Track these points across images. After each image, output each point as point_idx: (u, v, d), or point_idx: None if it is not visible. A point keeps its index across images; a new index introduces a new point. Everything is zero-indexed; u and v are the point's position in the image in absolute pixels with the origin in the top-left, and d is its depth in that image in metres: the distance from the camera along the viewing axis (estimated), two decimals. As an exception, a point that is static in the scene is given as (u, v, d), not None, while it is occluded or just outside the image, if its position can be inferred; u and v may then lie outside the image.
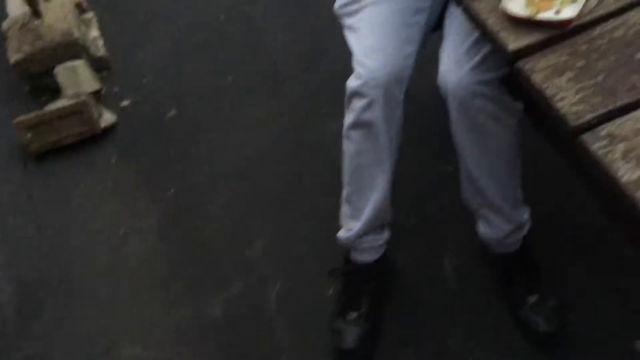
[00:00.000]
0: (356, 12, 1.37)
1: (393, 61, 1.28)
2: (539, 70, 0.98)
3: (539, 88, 0.97)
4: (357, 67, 1.30)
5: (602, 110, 0.90)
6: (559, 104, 0.94)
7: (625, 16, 1.00)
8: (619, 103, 0.91)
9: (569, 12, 0.98)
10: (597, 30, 0.99)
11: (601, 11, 1.02)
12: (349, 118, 1.34)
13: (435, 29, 1.40)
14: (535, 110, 1.09)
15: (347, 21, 1.40)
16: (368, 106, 1.28)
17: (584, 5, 0.99)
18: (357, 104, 1.29)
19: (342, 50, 1.38)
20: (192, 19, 2.35)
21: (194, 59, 2.25)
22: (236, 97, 2.11)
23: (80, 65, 2.10)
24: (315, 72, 2.04)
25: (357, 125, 1.33)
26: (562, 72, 0.96)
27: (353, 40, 1.36)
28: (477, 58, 1.21)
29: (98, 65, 2.25)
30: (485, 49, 1.19)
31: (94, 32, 2.32)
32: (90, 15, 2.37)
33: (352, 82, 1.29)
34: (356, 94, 1.29)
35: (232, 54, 2.23)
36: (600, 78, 0.94)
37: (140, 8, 2.43)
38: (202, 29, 2.32)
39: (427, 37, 1.40)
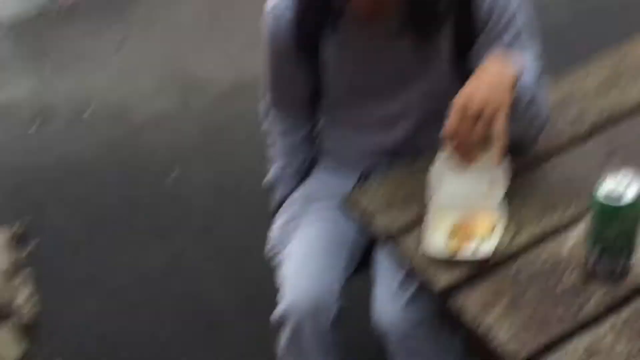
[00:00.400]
0: (283, 246, 1.40)
1: (316, 288, 1.27)
2: (469, 308, 0.98)
3: (471, 326, 0.96)
4: (282, 297, 1.29)
5: (536, 346, 0.89)
6: (494, 341, 0.92)
7: (537, 249, 1.04)
8: (551, 336, 0.90)
9: (485, 250, 1.01)
10: (515, 265, 1.02)
11: (515, 244, 1.06)
12: (279, 347, 1.30)
13: (364, 263, 1.42)
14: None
15: (277, 259, 1.42)
16: (294, 333, 1.25)
17: (498, 241, 1.03)
18: (284, 331, 1.27)
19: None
20: (128, 276, 2.32)
21: (130, 314, 2.18)
22: (174, 350, 2.01)
23: (4, 332, 1.99)
24: (255, 319, 1.99)
25: (286, 352, 1.29)
26: (491, 308, 0.97)
27: (280, 273, 1.37)
28: (408, 295, 1.21)
29: (27, 328, 2.13)
30: (416, 284, 1.20)
31: (25, 294, 2.24)
32: (21, 276, 2.32)
33: (277, 312, 1.27)
34: (281, 322, 1.27)
35: (169, 307, 2.17)
36: (528, 312, 0.94)
37: (74, 267, 2.40)
38: (138, 284, 2.28)
39: (353, 268, 1.41)
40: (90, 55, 3.78)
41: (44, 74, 3.67)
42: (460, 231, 1.05)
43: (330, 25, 1.08)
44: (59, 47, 3.98)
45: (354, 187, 1.37)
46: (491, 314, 0.95)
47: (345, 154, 1.36)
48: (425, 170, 1.15)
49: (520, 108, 0.96)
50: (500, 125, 0.89)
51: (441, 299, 1.02)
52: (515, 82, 0.92)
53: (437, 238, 1.04)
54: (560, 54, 2.76)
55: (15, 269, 2.33)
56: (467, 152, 0.95)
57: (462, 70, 1.16)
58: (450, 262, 1.03)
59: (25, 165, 2.89)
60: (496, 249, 1.02)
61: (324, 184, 1.44)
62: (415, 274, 1.09)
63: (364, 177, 1.39)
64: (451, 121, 0.93)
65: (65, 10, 4.53)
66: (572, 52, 2.74)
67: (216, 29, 3.70)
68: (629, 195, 0.88)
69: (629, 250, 0.94)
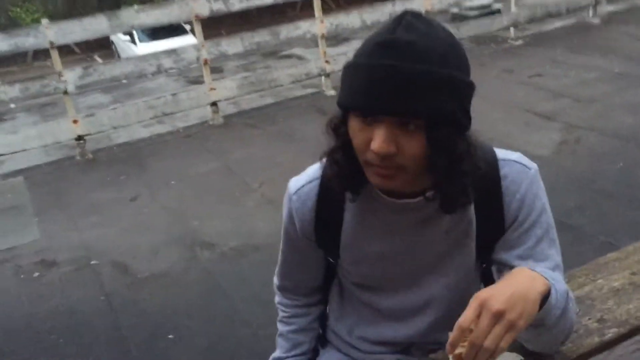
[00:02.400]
0: None
1: None
2: None
3: None
4: None
5: None
6: None
7: None
8: None
9: None
10: None
11: None
12: None
13: None
14: None
15: None
16: None
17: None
18: None
19: None
20: None
21: None
22: None
23: None
24: None
25: None
26: None
27: None
28: None
29: None
30: None
31: None
32: None
33: None
34: None
35: None
36: None
37: None
38: None
39: None
40: (102, 207, 3.85)
41: (56, 222, 3.73)
42: None
43: (354, 209, 1.06)
44: (73, 198, 4.08)
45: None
46: None
47: (353, 343, 1.27)
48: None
49: (549, 323, 0.91)
50: (508, 340, 0.83)
51: None
52: (544, 298, 0.88)
53: None
54: (569, 237, 2.81)
55: None
56: (475, 355, 0.85)
57: (485, 267, 1.13)
58: None
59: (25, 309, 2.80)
60: None
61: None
62: None
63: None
64: (468, 313, 0.85)
65: (85, 161, 4.72)
66: (581, 236, 2.78)
67: (226, 194, 3.82)
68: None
69: None
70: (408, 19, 0.87)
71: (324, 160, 1.03)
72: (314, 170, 1.09)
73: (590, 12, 6.66)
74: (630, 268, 1.34)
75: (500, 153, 1.05)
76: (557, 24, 6.73)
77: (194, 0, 4.78)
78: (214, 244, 3.23)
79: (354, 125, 0.90)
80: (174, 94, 5.04)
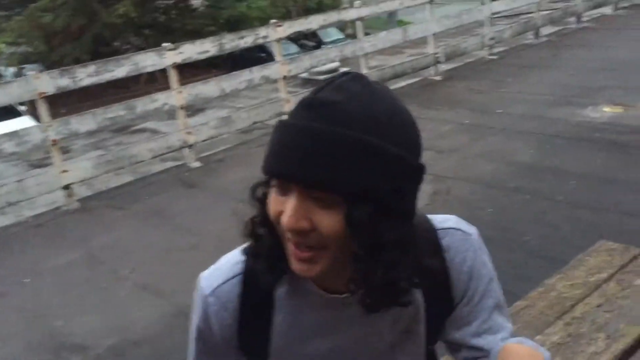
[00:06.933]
0: None
1: None
2: None
3: None
4: None
5: None
6: None
7: None
8: None
9: None
10: None
11: None
12: None
13: None
14: None
15: None
16: None
17: None
18: None
19: None
20: None
21: None
22: None
23: None
24: None
25: None
26: None
27: None
28: None
29: None
30: None
31: None
32: None
33: None
34: None
35: None
36: None
37: None
38: None
39: None
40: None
41: None
42: None
43: (285, 307, 0.90)
44: None
45: None
46: None
47: None
48: None
49: None
50: None
51: None
52: None
53: None
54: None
55: None
56: None
57: (429, 348, 1.02)
58: None
59: None
60: None
61: None
62: None
63: None
64: None
65: None
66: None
67: (92, 286, 3.39)
68: None
69: None
70: (341, 80, 0.75)
71: (241, 251, 0.87)
72: (230, 263, 0.90)
73: (432, 70, 7.16)
74: (559, 319, 1.31)
75: (436, 221, 0.94)
76: (403, 82, 7.14)
77: (36, 78, 4.41)
78: (85, 346, 2.84)
79: (272, 195, 0.78)
80: (19, 180, 4.54)
